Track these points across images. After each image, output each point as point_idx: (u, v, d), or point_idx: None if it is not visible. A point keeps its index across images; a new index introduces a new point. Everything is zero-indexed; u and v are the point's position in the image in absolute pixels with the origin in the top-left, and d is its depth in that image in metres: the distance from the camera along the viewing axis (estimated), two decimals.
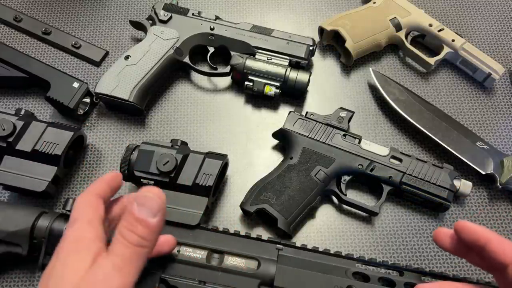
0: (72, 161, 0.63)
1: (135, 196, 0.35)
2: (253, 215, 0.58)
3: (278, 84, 0.65)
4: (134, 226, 0.34)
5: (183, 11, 0.69)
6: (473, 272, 0.58)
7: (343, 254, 0.50)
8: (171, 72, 0.69)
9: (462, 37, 0.70)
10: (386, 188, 0.59)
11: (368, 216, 0.61)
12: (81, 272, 0.33)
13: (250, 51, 0.67)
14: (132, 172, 0.55)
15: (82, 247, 0.35)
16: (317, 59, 0.72)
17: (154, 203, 0.35)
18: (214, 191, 0.58)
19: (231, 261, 0.49)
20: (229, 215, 0.61)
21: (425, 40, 0.73)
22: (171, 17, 0.68)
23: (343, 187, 0.60)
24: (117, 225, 0.35)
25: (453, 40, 0.69)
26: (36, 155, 0.56)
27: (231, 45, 0.68)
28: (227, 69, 0.67)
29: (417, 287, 0.40)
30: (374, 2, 0.72)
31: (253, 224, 0.60)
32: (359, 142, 0.61)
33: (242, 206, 0.58)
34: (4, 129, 0.55)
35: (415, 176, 0.59)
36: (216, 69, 0.69)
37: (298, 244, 0.51)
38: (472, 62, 0.69)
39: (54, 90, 0.63)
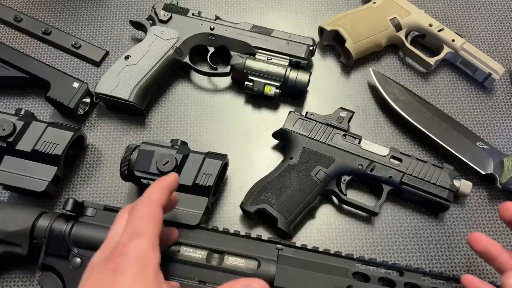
0: (72, 161, 0.63)
1: (249, 285, 0.38)
2: (253, 215, 0.58)
3: (278, 84, 0.65)
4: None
5: (183, 11, 0.69)
6: (473, 272, 0.58)
7: (343, 254, 0.50)
8: (171, 72, 0.69)
9: (462, 37, 0.70)
10: (386, 188, 0.59)
11: (368, 216, 0.61)
12: None
13: (250, 51, 0.67)
14: (132, 172, 0.55)
15: (148, 277, 0.35)
16: (317, 59, 0.72)
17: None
18: (214, 191, 0.58)
19: (231, 261, 0.49)
20: (229, 215, 0.61)
21: (425, 40, 0.73)
22: (171, 17, 0.68)
23: (343, 187, 0.60)
24: None
25: (453, 40, 0.69)
26: (36, 155, 0.56)
27: (231, 45, 0.68)
28: (227, 69, 0.67)
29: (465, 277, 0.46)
30: (374, 2, 0.72)
31: (253, 224, 0.60)
32: (359, 142, 0.61)
33: (242, 206, 0.58)
34: (4, 129, 0.55)
35: (415, 176, 0.59)
36: (216, 69, 0.69)
37: (298, 244, 0.51)
38: (472, 62, 0.69)
39: (54, 90, 0.63)
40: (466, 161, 0.62)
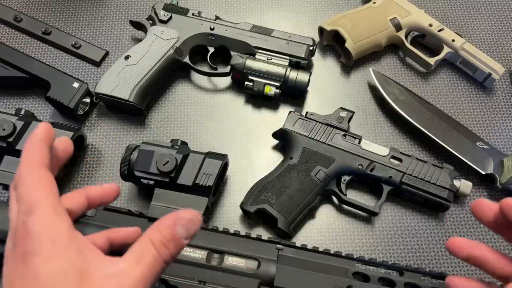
0: (72, 161, 0.63)
1: (179, 216, 0.35)
2: (253, 215, 0.58)
3: (278, 84, 0.65)
4: (170, 243, 0.34)
5: (183, 11, 0.69)
6: (473, 272, 0.58)
7: (343, 254, 0.50)
8: (171, 72, 0.69)
9: (462, 37, 0.70)
10: (386, 188, 0.59)
11: (368, 216, 0.61)
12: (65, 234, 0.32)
13: (250, 51, 0.67)
14: (132, 172, 0.55)
15: (62, 243, 0.32)
16: (317, 59, 0.72)
17: (193, 228, 0.36)
18: (214, 191, 0.58)
19: (231, 261, 0.49)
20: (229, 215, 0.61)
21: (425, 40, 0.73)
22: (171, 17, 0.68)
23: (343, 187, 0.60)
24: (147, 232, 0.35)
25: (453, 40, 0.69)
26: None
27: (231, 45, 0.68)
28: (227, 69, 0.67)
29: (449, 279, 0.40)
30: (374, 2, 0.72)
31: (253, 224, 0.60)
32: (359, 142, 0.61)
33: (242, 206, 0.58)
34: (4, 129, 0.55)
35: (415, 176, 0.59)
36: (216, 69, 0.69)
37: (298, 244, 0.51)
38: (472, 62, 0.69)
39: (54, 90, 0.63)
40: (466, 161, 0.62)
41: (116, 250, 0.41)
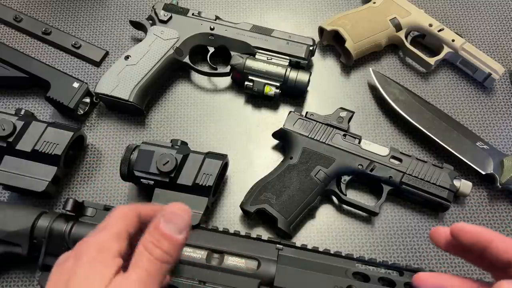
0: (72, 161, 0.63)
1: (162, 212, 0.36)
2: (253, 215, 0.58)
3: (278, 84, 0.65)
4: (160, 242, 0.35)
5: (183, 11, 0.69)
6: (473, 272, 0.58)
7: (343, 254, 0.50)
8: (171, 72, 0.69)
9: (462, 37, 0.70)
10: (386, 188, 0.59)
11: (368, 216, 0.61)
12: (105, 282, 0.33)
13: (250, 51, 0.67)
14: (132, 172, 0.55)
15: (106, 259, 0.34)
16: (317, 59, 0.72)
17: (181, 220, 0.36)
18: (214, 191, 0.58)
19: (231, 261, 0.49)
20: (229, 215, 0.61)
21: (425, 40, 0.73)
22: (171, 17, 0.68)
23: (343, 187, 0.60)
24: (140, 239, 0.36)
25: (453, 40, 0.69)
26: (36, 155, 0.56)
27: (231, 45, 0.68)
28: (227, 69, 0.67)
29: (417, 275, 0.39)
30: (374, 2, 0.72)
31: (253, 224, 0.60)
32: (359, 142, 0.61)
33: (242, 206, 0.58)
34: (4, 129, 0.55)
35: (415, 176, 0.59)
36: (216, 69, 0.69)
37: (298, 244, 0.51)
38: (472, 62, 0.69)
39: (54, 90, 0.63)
40: (466, 161, 0.62)
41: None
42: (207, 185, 0.54)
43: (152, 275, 0.34)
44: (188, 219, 0.37)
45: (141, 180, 0.54)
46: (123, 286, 0.33)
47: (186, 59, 0.67)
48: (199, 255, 0.49)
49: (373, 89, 0.70)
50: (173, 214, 0.36)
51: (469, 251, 0.39)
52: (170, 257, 0.35)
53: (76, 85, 0.63)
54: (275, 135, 0.64)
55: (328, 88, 0.71)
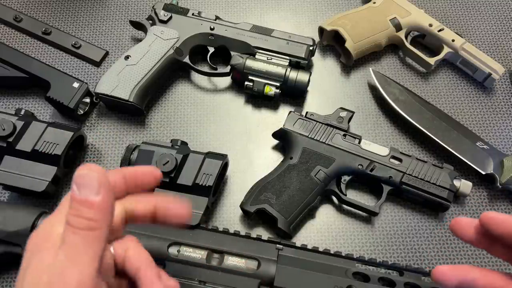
0: (72, 161, 0.63)
1: (73, 178, 0.32)
2: (253, 215, 0.58)
3: (278, 84, 0.65)
4: (79, 210, 0.32)
5: (183, 11, 0.69)
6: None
7: (343, 254, 0.50)
8: (171, 72, 0.69)
9: (462, 37, 0.70)
10: (386, 188, 0.59)
11: (368, 216, 0.61)
12: (44, 271, 0.31)
13: (250, 51, 0.67)
14: None
15: (49, 244, 0.32)
16: (317, 59, 0.72)
17: (93, 179, 0.32)
18: (214, 191, 0.58)
19: (231, 261, 0.49)
20: (229, 215, 0.61)
21: (425, 40, 0.73)
22: (171, 17, 0.68)
23: (343, 187, 0.60)
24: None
25: (453, 40, 0.69)
26: (36, 155, 0.56)
27: (231, 45, 0.68)
28: (227, 69, 0.67)
29: (437, 268, 0.37)
30: (374, 2, 0.72)
31: (253, 224, 0.60)
32: (359, 142, 0.61)
33: (242, 206, 0.58)
34: (4, 129, 0.55)
35: (415, 176, 0.59)
36: (216, 69, 0.69)
37: (298, 244, 0.51)
38: (472, 62, 0.69)
39: (54, 90, 0.63)
40: (466, 161, 0.62)
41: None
42: (207, 185, 0.54)
43: (81, 248, 0.31)
44: (101, 176, 0.32)
45: None
46: (52, 269, 0.30)
47: (186, 59, 0.67)
48: (199, 255, 0.49)
49: (373, 89, 0.70)
50: (83, 176, 0.32)
51: (497, 243, 0.37)
52: (95, 222, 0.32)
53: (76, 85, 0.63)
54: (275, 135, 0.64)
55: (328, 88, 0.71)
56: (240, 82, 0.67)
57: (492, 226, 0.36)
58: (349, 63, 0.71)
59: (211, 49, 0.68)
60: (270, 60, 0.66)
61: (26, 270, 0.31)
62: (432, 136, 0.64)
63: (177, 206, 0.39)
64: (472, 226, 0.38)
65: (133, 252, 0.36)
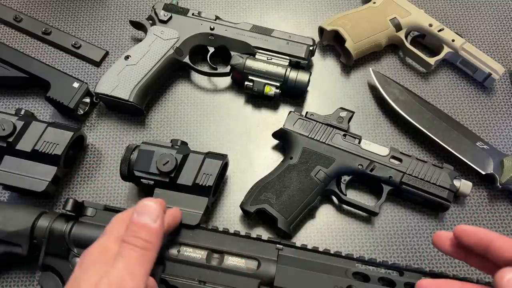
0: (72, 161, 0.63)
1: (135, 207, 0.40)
2: (253, 215, 0.58)
3: (278, 84, 0.65)
4: (138, 233, 0.38)
5: (183, 11, 0.69)
6: (473, 272, 0.58)
7: (343, 254, 0.50)
8: (171, 72, 0.69)
9: (462, 37, 0.70)
10: (386, 188, 0.59)
11: (368, 216, 0.61)
12: (101, 275, 0.36)
13: (250, 51, 0.67)
14: (132, 172, 0.55)
15: (105, 258, 0.37)
16: (317, 59, 0.72)
17: (153, 209, 0.40)
18: (214, 191, 0.58)
19: (231, 261, 0.49)
20: (229, 215, 0.61)
21: (425, 40, 0.73)
22: (171, 17, 0.68)
23: (343, 187, 0.60)
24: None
25: (453, 40, 0.69)
26: (36, 155, 0.56)
27: (231, 45, 0.68)
28: (227, 69, 0.67)
29: (419, 283, 0.40)
30: (374, 2, 0.72)
31: (253, 224, 0.60)
32: (359, 142, 0.61)
33: (242, 206, 0.58)
34: (4, 129, 0.55)
35: (415, 176, 0.59)
36: (216, 69, 0.69)
37: (298, 244, 0.51)
38: (472, 62, 0.69)
39: (54, 90, 0.63)
40: (466, 161, 0.62)
41: None
42: (207, 185, 0.54)
43: (137, 262, 0.37)
44: (159, 208, 0.41)
45: (141, 180, 0.54)
46: (111, 275, 0.36)
47: (186, 59, 0.67)
48: (199, 255, 0.49)
49: (373, 89, 0.70)
50: (144, 206, 0.40)
51: (472, 253, 0.39)
52: (150, 244, 0.39)
53: (76, 85, 0.63)
54: (275, 135, 0.64)
55: (328, 88, 0.71)
56: (240, 82, 0.67)
57: (464, 238, 0.39)
58: (349, 63, 0.71)
59: (211, 49, 0.68)
60: (270, 60, 0.66)
61: (81, 279, 0.36)
62: (432, 136, 0.64)
63: (173, 213, 0.47)
64: (448, 239, 0.41)
65: None
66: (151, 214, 0.40)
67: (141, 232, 0.39)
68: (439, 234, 0.42)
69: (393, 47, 0.74)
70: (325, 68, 0.72)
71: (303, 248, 0.50)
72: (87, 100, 0.66)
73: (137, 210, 0.40)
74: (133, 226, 0.39)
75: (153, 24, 0.68)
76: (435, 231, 0.60)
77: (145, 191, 0.61)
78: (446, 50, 0.70)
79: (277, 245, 0.50)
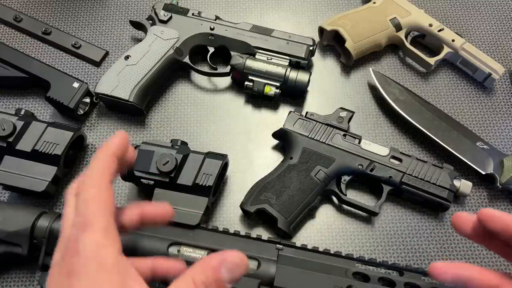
0: (72, 161, 0.63)
1: (224, 258, 0.34)
2: (253, 215, 0.58)
3: (278, 84, 0.65)
4: (212, 285, 0.33)
5: (183, 11, 0.69)
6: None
7: (343, 254, 0.50)
8: (171, 72, 0.69)
9: (462, 37, 0.70)
10: (386, 188, 0.59)
11: (368, 216, 0.61)
12: None
13: (250, 51, 0.67)
14: (132, 172, 0.55)
15: (108, 270, 0.31)
16: (317, 59, 0.72)
17: (239, 272, 0.34)
18: (214, 191, 0.58)
19: None
20: (229, 215, 0.61)
21: (425, 40, 0.73)
22: (171, 17, 0.68)
23: (343, 187, 0.60)
24: (191, 268, 0.34)
25: (453, 40, 0.69)
26: (36, 155, 0.56)
27: (231, 45, 0.68)
28: (227, 69, 0.67)
29: (432, 265, 0.37)
30: (374, 2, 0.72)
31: (253, 224, 0.60)
32: (359, 142, 0.61)
33: (242, 206, 0.58)
34: (4, 129, 0.55)
35: (415, 176, 0.59)
36: (216, 69, 0.69)
37: (298, 244, 0.51)
38: (472, 62, 0.69)
39: (54, 90, 0.63)
40: (466, 161, 0.62)
41: (158, 280, 0.40)
42: (207, 185, 0.54)
43: None
44: (243, 273, 0.35)
45: (141, 180, 0.54)
46: None
47: (186, 59, 0.67)
48: (199, 255, 0.49)
49: (373, 89, 0.70)
50: (237, 266, 0.34)
51: (495, 239, 0.38)
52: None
53: (76, 85, 0.63)
54: (275, 135, 0.64)
55: (328, 88, 0.71)
56: (240, 82, 0.67)
57: (489, 223, 0.37)
58: (349, 63, 0.71)
59: (211, 49, 0.68)
60: (270, 60, 0.66)
61: None
62: (432, 136, 0.64)
63: (159, 206, 0.40)
64: (471, 222, 0.39)
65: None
66: (234, 275, 0.34)
67: (213, 286, 0.33)
68: (460, 215, 0.39)
69: (393, 47, 0.74)
70: (325, 68, 0.72)
71: (303, 248, 0.50)
72: (87, 100, 0.66)
73: (229, 266, 0.34)
74: (213, 276, 0.33)
75: (153, 24, 0.68)
76: (435, 231, 0.60)
77: (145, 191, 0.61)
78: (446, 50, 0.70)
79: (277, 245, 0.50)
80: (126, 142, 0.38)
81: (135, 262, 0.37)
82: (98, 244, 0.32)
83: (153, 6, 0.69)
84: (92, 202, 0.33)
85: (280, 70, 0.65)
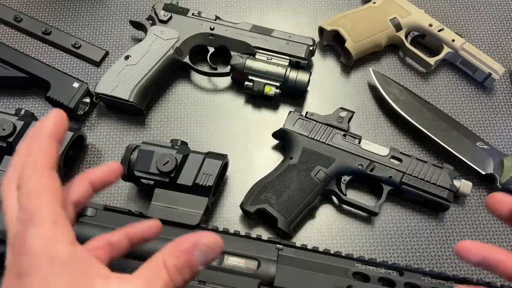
0: (72, 161, 0.63)
1: (198, 241, 0.31)
2: (253, 215, 0.58)
3: (278, 84, 0.65)
4: (185, 269, 0.31)
5: (183, 11, 0.69)
6: (473, 272, 0.58)
7: (343, 254, 0.50)
8: (171, 72, 0.69)
9: (462, 37, 0.70)
10: (386, 188, 0.59)
11: (368, 216, 0.61)
12: None
13: (250, 51, 0.67)
14: (132, 172, 0.55)
15: (60, 264, 0.28)
16: (317, 59, 0.72)
17: (214, 255, 0.32)
18: (214, 191, 0.58)
19: (231, 261, 0.49)
20: (229, 215, 0.61)
21: (425, 40, 0.73)
22: (171, 17, 0.68)
23: (343, 187, 0.60)
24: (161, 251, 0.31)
25: (453, 40, 0.69)
26: None
27: (231, 45, 0.68)
28: (227, 69, 0.67)
29: (461, 243, 0.36)
30: (374, 2, 0.72)
31: (253, 224, 0.60)
32: (359, 142, 0.61)
33: (242, 206, 0.58)
34: (4, 129, 0.55)
35: (415, 176, 0.59)
36: (216, 69, 0.69)
37: (298, 244, 0.51)
38: (472, 62, 0.69)
39: (54, 90, 0.63)
40: (466, 161, 0.62)
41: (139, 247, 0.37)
42: (207, 185, 0.54)
43: None
44: (218, 255, 0.32)
45: (141, 180, 0.54)
46: None
47: (186, 59, 0.67)
48: None
49: (373, 89, 0.70)
50: (212, 250, 0.32)
51: None
52: (184, 285, 0.31)
53: (76, 85, 0.63)
54: (275, 135, 0.64)
55: (328, 88, 0.71)
56: (240, 82, 0.67)
57: None
58: (349, 63, 0.71)
59: (211, 49, 0.68)
60: (270, 60, 0.66)
61: None
62: (432, 136, 0.64)
63: (106, 166, 0.38)
64: (507, 204, 0.37)
65: None
66: (207, 258, 0.32)
67: (187, 272, 0.31)
68: (496, 196, 0.37)
69: (393, 47, 0.74)
70: (325, 68, 0.72)
71: (303, 248, 0.50)
72: (87, 100, 0.66)
73: (202, 250, 0.31)
74: (185, 260, 0.31)
75: (153, 24, 0.68)
76: (435, 231, 0.60)
77: (145, 191, 0.61)
78: (446, 50, 0.70)
79: (277, 245, 0.50)
80: (64, 120, 0.35)
81: (89, 246, 0.33)
82: (47, 238, 0.29)
83: (153, 6, 0.69)
84: (35, 194, 0.31)
85: (280, 70, 0.65)
